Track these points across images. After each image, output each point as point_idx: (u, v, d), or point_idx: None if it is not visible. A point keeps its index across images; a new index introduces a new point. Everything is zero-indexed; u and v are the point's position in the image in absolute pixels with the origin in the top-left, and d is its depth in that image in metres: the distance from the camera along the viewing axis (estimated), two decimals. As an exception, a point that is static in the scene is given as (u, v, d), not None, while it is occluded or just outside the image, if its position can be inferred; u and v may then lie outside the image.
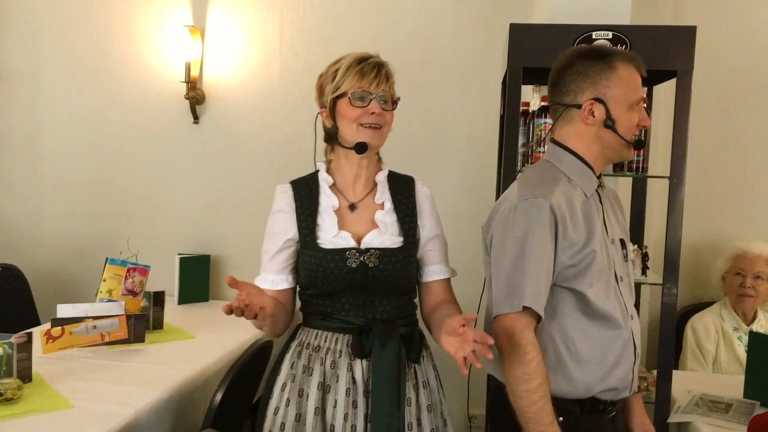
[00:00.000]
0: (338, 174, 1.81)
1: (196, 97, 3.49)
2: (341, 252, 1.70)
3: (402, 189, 1.83)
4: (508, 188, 1.79)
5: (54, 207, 3.74)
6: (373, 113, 1.70)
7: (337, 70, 1.73)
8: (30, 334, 2.11)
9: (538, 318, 1.60)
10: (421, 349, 1.77)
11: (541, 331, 1.64)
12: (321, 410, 1.68)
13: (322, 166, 1.84)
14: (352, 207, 1.78)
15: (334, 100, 1.73)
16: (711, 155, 3.26)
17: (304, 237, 1.74)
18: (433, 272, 1.82)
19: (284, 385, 1.74)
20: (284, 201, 1.79)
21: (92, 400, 1.98)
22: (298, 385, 1.72)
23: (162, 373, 2.25)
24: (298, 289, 1.82)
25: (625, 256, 1.76)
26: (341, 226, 1.74)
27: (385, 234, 1.74)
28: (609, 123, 1.65)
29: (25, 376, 2.06)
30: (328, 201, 1.77)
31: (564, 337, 1.66)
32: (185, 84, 3.45)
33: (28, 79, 3.72)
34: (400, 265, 1.73)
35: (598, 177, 1.73)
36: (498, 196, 2.68)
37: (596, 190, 1.72)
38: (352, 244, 1.72)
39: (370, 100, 1.70)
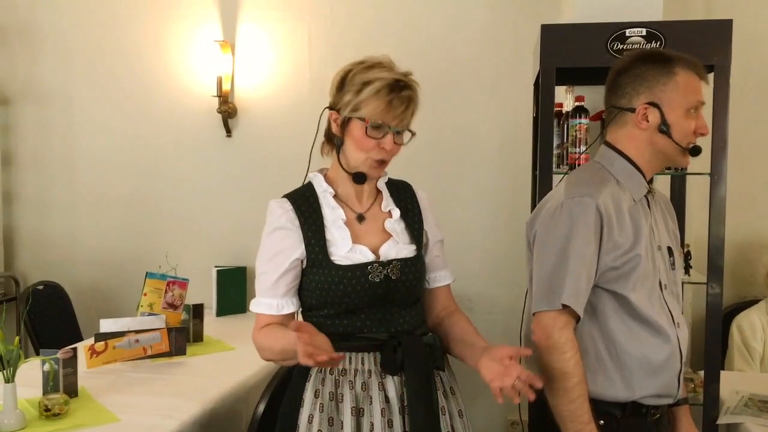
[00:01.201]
0: (339, 184, 1.68)
1: (228, 110, 3.53)
2: (362, 267, 1.59)
3: (403, 195, 1.74)
4: (555, 187, 1.78)
5: (92, 224, 3.81)
6: (383, 148, 1.58)
7: (365, 83, 1.57)
8: (75, 350, 2.15)
9: (577, 317, 1.59)
10: (444, 355, 1.70)
11: (582, 331, 1.64)
12: None
13: (316, 177, 1.70)
14: (361, 218, 1.67)
15: (350, 115, 1.59)
16: (750, 150, 3.19)
17: (315, 255, 1.60)
18: (439, 278, 1.76)
19: (311, 417, 1.59)
20: (284, 217, 1.63)
21: (137, 413, 2.00)
22: (327, 414, 1.58)
23: (204, 385, 2.27)
24: (300, 310, 1.70)
25: (672, 264, 1.71)
26: (354, 239, 1.62)
27: (399, 243, 1.66)
28: (663, 128, 1.62)
29: (72, 390, 2.10)
30: (333, 213, 1.63)
31: (606, 339, 1.64)
32: (217, 98, 3.50)
33: (63, 99, 3.80)
34: (419, 275, 1.67)
35: (649, 182, 1.70)
36: (534, 199, 2.66)
37: (645, 196, 1.69)
38: (371, 257, 1.61)
39: (386, 133, 1.57)
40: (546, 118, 2.37)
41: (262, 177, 3.58)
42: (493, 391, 1.47)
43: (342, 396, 1.59)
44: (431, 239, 1.74)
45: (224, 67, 3.50)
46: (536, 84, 2.57)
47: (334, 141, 1.66)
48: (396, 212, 1.70)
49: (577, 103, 2.52)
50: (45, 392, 2.03)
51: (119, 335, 2.42)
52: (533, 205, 2.69)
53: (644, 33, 2.26)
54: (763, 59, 3.17)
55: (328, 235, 1.62)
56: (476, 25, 3.34)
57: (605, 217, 1.59)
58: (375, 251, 1.63)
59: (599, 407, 1.61)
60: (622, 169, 1.68)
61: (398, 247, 1.65)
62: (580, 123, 2.47)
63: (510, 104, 3.31)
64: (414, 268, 1.65)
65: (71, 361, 2.10)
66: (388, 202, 1.71)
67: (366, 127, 1.56)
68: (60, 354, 2.07)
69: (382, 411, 1.58)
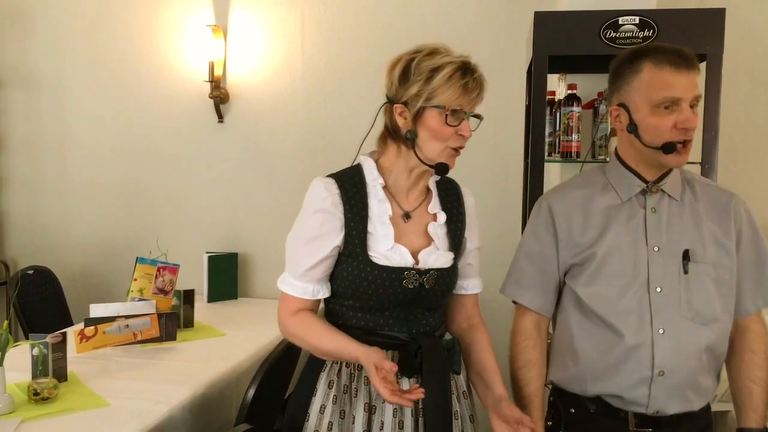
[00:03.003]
0: (392, 176, 1.59)
1: (220, 96, 3.51)
2: (399, 271, 1.53)
3: (450, 197, 1.68)
4: None
5: (83, 209, 3.80)
6: (462, 135, 1.52)
7: (434, 70, 1.49)
8: (64, 334, 2.14)
9: (535, 309, 1.72)
10: (461, 359, 1.65)
11: (558, 323, 1.74)
12: None
13: (368, 162, 1.61)
14: (407, 216, 1.60)
15: (424, 105, 1.50)
16: (741, 140, 3.20)
17: (353, 247, 1.54)
18: (469, 286, 1.72)
19: (323, 407, 1.57)
20: (329, 200, 1.54)
21: (127, 398, 2.00)
22: (339, 406, 1.56)
23: (194, 371, 2.27)
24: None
25: (685, 269, 1.59)
26: (396, 238, 1.56)
27: (438, 250, 1.60)
28: (630, 129, 1.59)
29: (61, 375, 2.10)
30: (380, 207, 1.56)
31: (566, 331, 1.69)
32: (209, 83, 3.48)
33: (54, 83, 3.77)
34: (451, 285, 1.64)
35: (658, 180, 1.63)
36: (526, 187, 2.66)
37: (643, 195, 1.63)
38: (410, 262, 1.55)
39: (462, 119, 1.51)
40: (538, 106, 2.37)
41: (254, 163, 3.58)
42: None
43: (356, 391, 1.57)
44: (469, 247, 1.69)
45: (216, 52, 3.48)
46: (529, 72, 2.57)
47: (400, 135, 1.56)
48: (442, 216, 1.64)
49: (569, 91, 2.52)
50: (34, 376, 2.02)
51: (109, 320, 2.42)
52: (525, 194, 2.69)
53: (637, 21, 2.25)
54: (755, 49, 3.17)
55: (371, 228, 1.55)
56: (469, 11, 3.33)
57: (559, 217, 1.67)
58: (414, 255, 1.57)
59: (570, 397, 1.69)
60: (615, 171, 1.67)
61: (437, 254, 1.60)
62: (572, 111, 2.47)
63: (502, 92, 3.30)
64: (448, 278, 1.62)
65: (61, 346, 2.10)
66: (435, 204, 1.65)
67: (446, 115, 1.50)
68: (49, 338, 2.07)
69: (394, 411, 1.56)
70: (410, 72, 1.52)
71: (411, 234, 1.59)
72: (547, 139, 2.50)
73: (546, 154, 2.47)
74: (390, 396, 1.39)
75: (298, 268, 1.58)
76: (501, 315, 3.38)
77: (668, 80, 1.54)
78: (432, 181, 1.66)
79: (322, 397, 1.58)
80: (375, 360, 1.44)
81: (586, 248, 1.63)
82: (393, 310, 1.58)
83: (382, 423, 1.55)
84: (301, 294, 1.58)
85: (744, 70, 3.12)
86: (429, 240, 1.60)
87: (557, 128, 2.54)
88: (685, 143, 1.55)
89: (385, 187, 1.59)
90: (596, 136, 2.55)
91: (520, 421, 1.50)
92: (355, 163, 1.65)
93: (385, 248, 1.54)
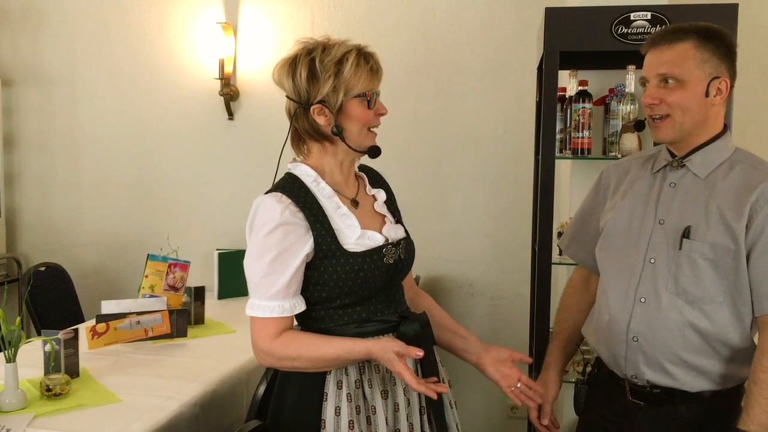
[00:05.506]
0: (326, 174, 1.61)
1: (230, 93, 3.52)
2: (377, 251, 1.56)
3: (375, 177, 1.75)
4: None
5: (94, 206, 3.81)
6: (381, 114, 1.58)
7: (339, 63, 1.52)
8: (76, 331, 2.16)
9: (580, 263, 1.90)
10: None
11: None
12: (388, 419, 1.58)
13: (300, 167, 1.61)
14: (355, 203, 1.63)
15: (345, 98, 1.53)
16: (755, 135, 3.17)
17: (327, 247, 1.53)
18: None
19: (338, 409, 1.55)
20: (287, 211, 1.52)
21: (138, 394, 2.01)
22: (354, 402, 1.55)
23: (205, 367, 2.27)
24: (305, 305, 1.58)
25: (679, 245, 1.59)
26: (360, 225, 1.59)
27: (392, 223, 1.67)
28: None
29: (73, 371, 2.11)
30: (330, 202, 1.57)
31: None
32: (219, 81, 3.48)
33: (65, 81, 3.79)
34: (415, 253, 1.72)
35: (684, 157, 1.64)
36: (536, 183, 2.65)
37: (666, 168, 1.68)
38: (382, 239, 1.59)
39: (376, 99, 1.56)
40: (549, 102, 2.36)
41: (264, 160, 3.57)
42: (512, 396, 1.69)
43: (371, 381, 1.58)
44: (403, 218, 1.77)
45: (226, 49, 3.49)
46: (539, 68, 2.56)
47: (322, 133, 1.57)
48: (382, 195, 1.70)
49: (580, 88, 2.51)
50: (46, 372, 2.04)
51: (121, 317, 2.43)
52: (535, 190, 2.68)
53: (649, 17, 2.24)
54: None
55: (334, 224, 1.55)
56: (480, 8, 3.32)
57: (604, 182, 1.81)
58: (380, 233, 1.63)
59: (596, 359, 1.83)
60: (663, 146, 1.74)
61: (394, 227, 1.67)
62: (583, 107, 2.46)
63: (513, 88, 3.30)
64: (412, 245, 1.71)
65: (72, 342, 2.11)
66: (370, 187, 1.71)
67: (368, 101, 1.54)
68: (61, 334, 2.08)
69: (404, 390, 1.60)
70: (317, 71, 1.53)
71: (366, 218, 1.62)
72: (557, 136, 2.49)
73: (557, 150, 2.46)
74: (417, 384, 1.44)
75: (270, 289, 1.51)
76: (507, 314, 3.39)
77: (647, 61, 1.64)
78: (356, 168, 1.71)
79: (334, 399, 1.56)
80: (397, 349, 1.47)
81: (606, 213, 1.75)
82: (378, 295, 1.60)
83: (396, 404, 1.59)
84: (279, 313, 1.51)
85: (757, 65, 3.10)
86: (381, 218, 1.66)
87: (568, 125, 2.53)
88: (662, 118, 1.60)
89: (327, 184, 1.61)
90: (607, 132, 2.53)
91: (512, 357, 1.69)
92: (285, 175, 1.65)
93: (355, 237, 1.56)
